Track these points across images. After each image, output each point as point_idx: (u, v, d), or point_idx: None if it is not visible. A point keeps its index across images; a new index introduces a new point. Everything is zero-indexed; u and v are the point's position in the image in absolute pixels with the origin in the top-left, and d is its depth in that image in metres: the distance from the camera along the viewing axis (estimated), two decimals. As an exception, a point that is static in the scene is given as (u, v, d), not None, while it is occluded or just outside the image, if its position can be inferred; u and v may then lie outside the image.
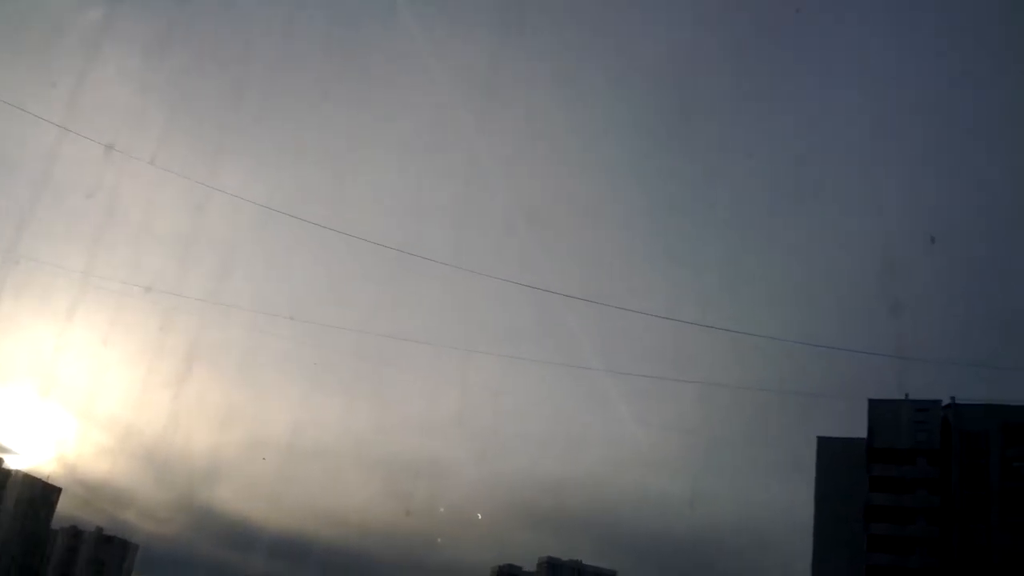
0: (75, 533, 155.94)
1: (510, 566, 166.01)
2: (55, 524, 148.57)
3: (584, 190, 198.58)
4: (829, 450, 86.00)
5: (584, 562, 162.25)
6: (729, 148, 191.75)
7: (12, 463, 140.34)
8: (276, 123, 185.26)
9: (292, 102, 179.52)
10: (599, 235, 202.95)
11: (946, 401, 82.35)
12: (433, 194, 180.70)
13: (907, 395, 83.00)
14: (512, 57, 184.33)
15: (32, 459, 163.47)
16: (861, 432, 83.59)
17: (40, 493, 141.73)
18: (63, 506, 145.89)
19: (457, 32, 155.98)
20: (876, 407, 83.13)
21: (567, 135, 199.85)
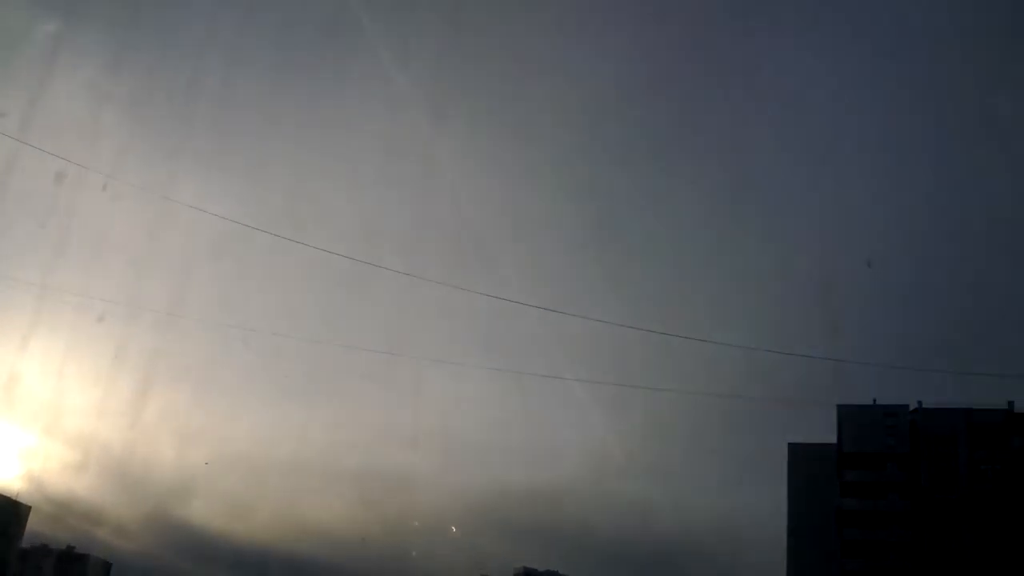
0: (46, 552, 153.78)
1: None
2: (24, 542, 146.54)
3: (547, 200, 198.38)
4: (800, 456, 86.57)
5: (560, 572, 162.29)
6: (691, 156, 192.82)
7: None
8: (235, 137, 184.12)
9: (251, 116, 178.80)
10: (564, 245, 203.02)
11: (913, 405, 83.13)
12: (393, 206, 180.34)
13: (875, 400, 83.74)
14: (471, 71, 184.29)
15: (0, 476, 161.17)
16: (831, 437, 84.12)
17: (10, 511, 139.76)
18: (32, 524, 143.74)
19: (421, 45, 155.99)
20: (845, 412, 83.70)
21: (527, 147, 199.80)
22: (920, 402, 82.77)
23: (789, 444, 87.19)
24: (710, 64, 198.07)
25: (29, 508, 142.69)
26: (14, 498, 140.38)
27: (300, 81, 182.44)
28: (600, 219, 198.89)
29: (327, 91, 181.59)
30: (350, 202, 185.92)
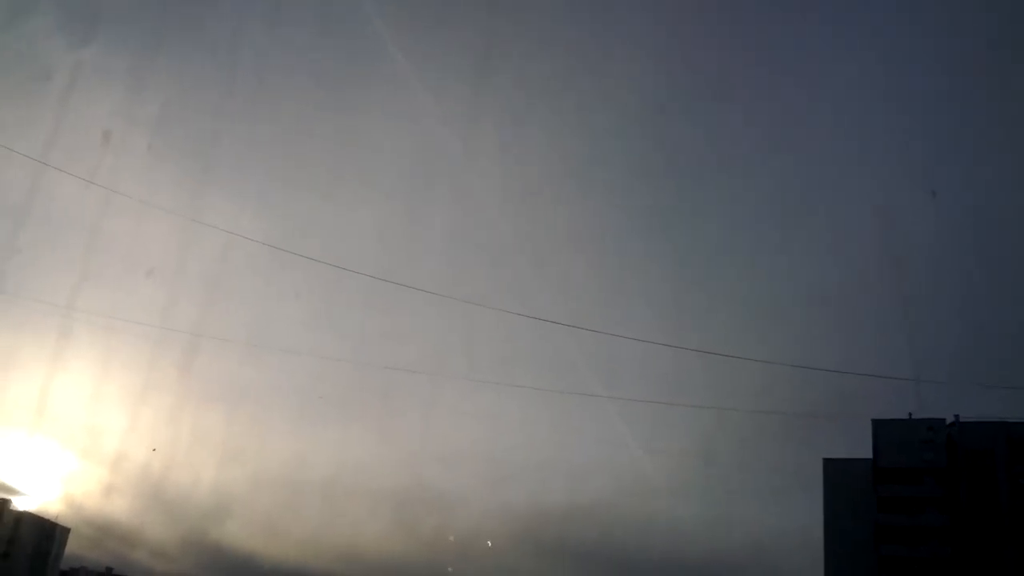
0: (86, 573, 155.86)
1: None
2: (64, 564, 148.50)
3: (577, 218, 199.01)
4: (836, 472, 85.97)
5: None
6: (719, 174, 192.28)
7: (20, 504, 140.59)
8: (265, 157, 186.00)
9: (281, 136, 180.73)
10: (595, 262, 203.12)
11: (950, 419, 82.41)
12: (425, 225, 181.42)
13: (911, 414, 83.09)
14: (501, 87, 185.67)
15: (39, 499, 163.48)
16: (865, 452, 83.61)
17: (50, 534, 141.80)
18: (71, 546, 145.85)
19: (446, 63, 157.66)
20: (881, 427, 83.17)
21: (558, 163, 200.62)
22: (957, 416, 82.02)
23: (824, 460, 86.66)
24: (738, 73, 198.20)
25: (68, 530, 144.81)
26: (54, 520, 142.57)
27: (336, 101, 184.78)
28: (630, 235, 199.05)
29: (362, 110, 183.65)
30: (380, 221, 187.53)
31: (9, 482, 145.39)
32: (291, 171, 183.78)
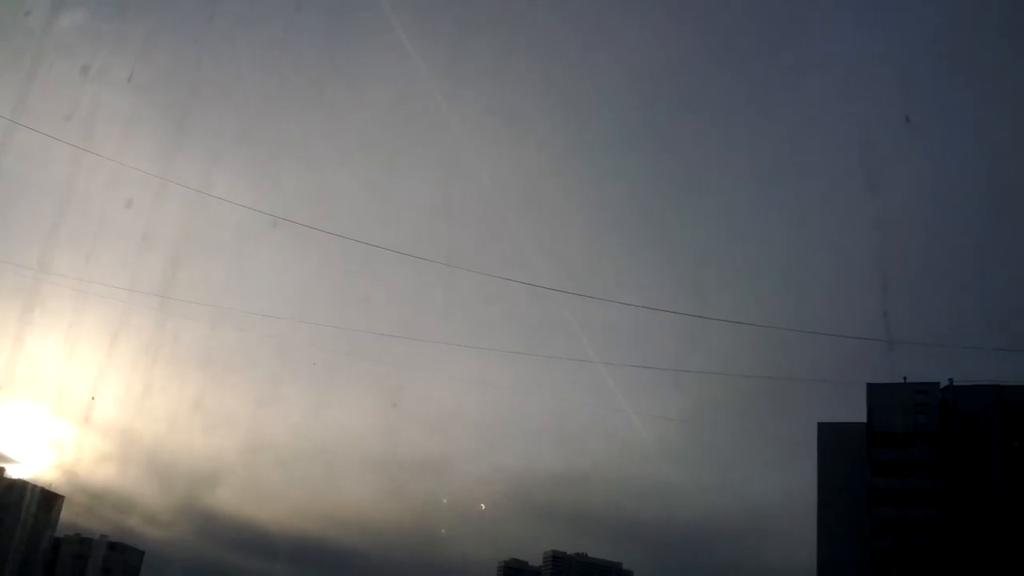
0: (80, 541, 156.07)
1: (516, 561, 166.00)
2: (58, 532, 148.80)
3: (572, 186, 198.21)
4: (829, 436, 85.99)
5: (590, 555, 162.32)
6: (715, 141, 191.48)
7: (13, 472, 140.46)
8: (265, 128, 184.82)
9: (280, 107, 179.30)
10: (590, 230, 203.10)
11: (944, 383, 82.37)
12: (423, 193, 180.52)
13: (905, 378, 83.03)
14: (497, 53, 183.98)
15: (33, 467, 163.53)
16: (859, 416, 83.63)
17: (44, 502, 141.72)
18: (66, 514, 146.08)
19: (441, 30, 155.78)
20: (874, 391, 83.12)
21: (554, 131, 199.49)
22: (951, 379, 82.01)
23: (819, 424, 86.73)
24: (733, 51, 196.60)
25: (62, 498, 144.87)
26: (47, 488, 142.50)
27: (332, 72, 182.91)
28: (627, 202, 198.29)
29: (358, 81, 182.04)
30: (372, 189, 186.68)
31: (2, 450, 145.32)
32: (290, 143, 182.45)
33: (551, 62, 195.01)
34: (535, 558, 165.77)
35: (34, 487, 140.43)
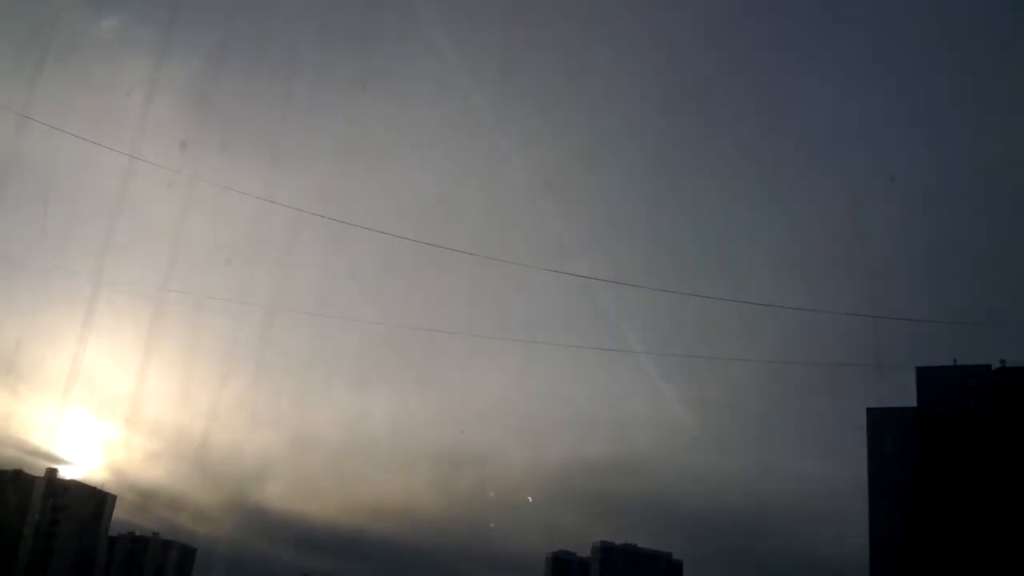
0: (134, 539, 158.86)
1: (564, 552, 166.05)
2: (112, 531, 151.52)
3: (610, 175, 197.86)
4: (879, 420, 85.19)
5: (639, 545, 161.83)
6: (754, 124, 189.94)
7: (66, 473, 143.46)
8: (296, 124, 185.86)
9: (311, 103, 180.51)
10: (630, 218, 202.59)
11: (996, 365, 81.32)
12: (457, 187, 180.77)
13: (955, 361, 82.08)
14: (528, 48, 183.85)
15: (85, 468, 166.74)
16: (909, 401, 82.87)
17: (97, 501, 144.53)
18: (118, 512, 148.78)
19: (473, 25, 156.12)
20: (925, 375, 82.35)
21: (589, 124, 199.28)
22: (1004, 361, 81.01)
23: (868, 409, 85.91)
24: (758, 41, 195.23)
25: (115, 497, 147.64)
26: (100, 488, 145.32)
27: (365, 67, 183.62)
28: (665, 192, 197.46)
29: (391, 75, 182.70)
30: (415, 186, 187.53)
31: (56, 451, 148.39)
32: (322, 139, 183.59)
33: (583, 53, 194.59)
34: (583, 549, 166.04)
35: (88, 487, 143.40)
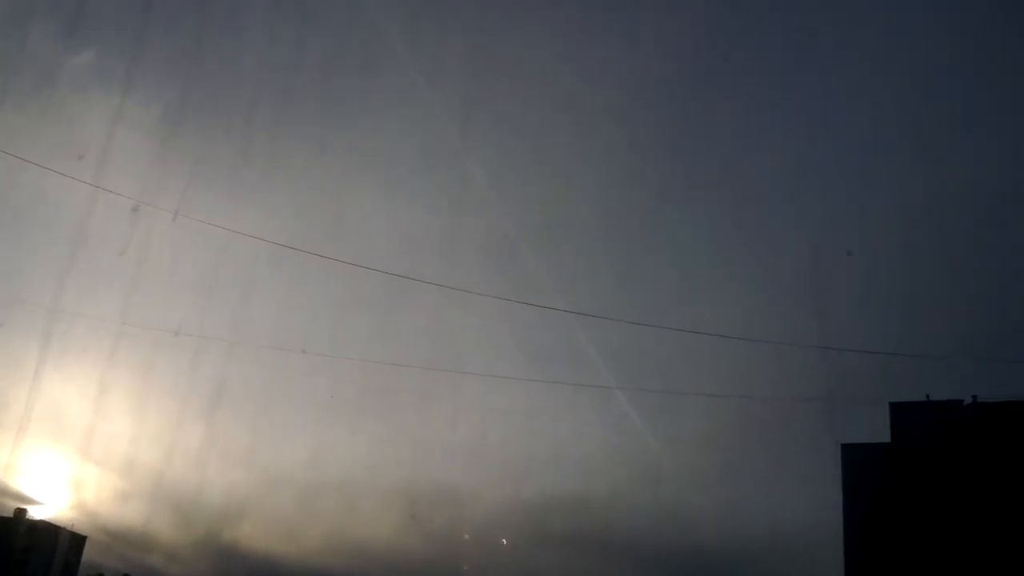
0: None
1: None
2: (81, 572, 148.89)
3: (580, 206, 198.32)
4: (854, 457, 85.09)
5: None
6: (727, 155, 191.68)
7: (36, 513, 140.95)
8: (265, 162, 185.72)
9: (285, 142, 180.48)
10: (600, 251, 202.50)
11: (968, 400, 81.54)
12: (430, 220, 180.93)
13: (928, 396, 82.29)
14: (502, 79, 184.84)
15: (54, 507, 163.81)
16: (882, 436, 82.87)
17: (67, 541, 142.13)
18: (87, 553, 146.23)
19: (445, 56, 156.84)
20: (898, 410, 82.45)
21: (559, 154, 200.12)
22: (975, 396, 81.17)
23: (842, 445, 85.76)
24: (724, 66, 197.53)
25: (84, 538, 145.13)
26: (70, 527, 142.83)
27: (337, 102, 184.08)
28: (637, 223, 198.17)
29: (361, 110, 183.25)
30: (385, 218, 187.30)
31: (24, 491, 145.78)
32: (293, 175, 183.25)
33: (557, 85, 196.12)
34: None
35: (56, 527, 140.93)
